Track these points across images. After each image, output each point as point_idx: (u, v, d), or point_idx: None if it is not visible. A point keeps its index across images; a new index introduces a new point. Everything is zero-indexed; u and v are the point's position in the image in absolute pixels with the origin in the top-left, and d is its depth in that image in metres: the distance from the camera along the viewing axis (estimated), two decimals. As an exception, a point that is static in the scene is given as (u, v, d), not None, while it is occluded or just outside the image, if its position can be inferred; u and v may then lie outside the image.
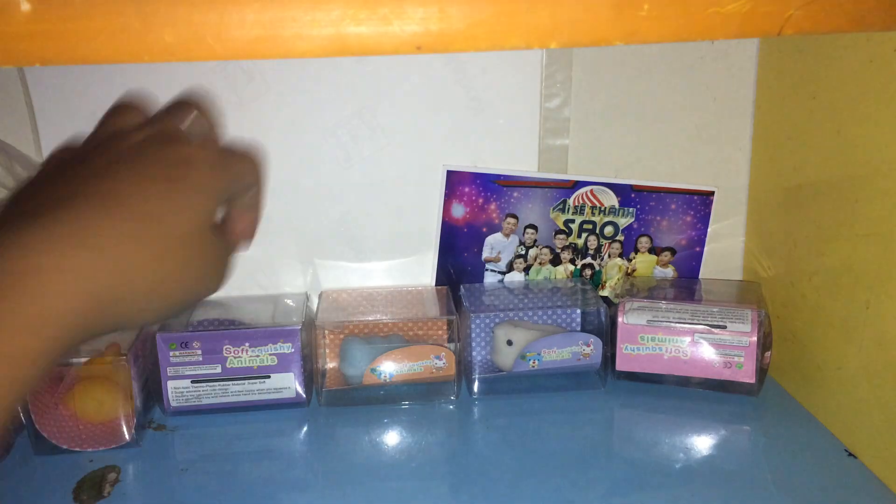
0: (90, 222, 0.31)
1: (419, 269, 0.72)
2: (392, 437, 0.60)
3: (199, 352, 0.61)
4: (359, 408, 0.64)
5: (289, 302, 0.69)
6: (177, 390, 0.61)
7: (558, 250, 0.72)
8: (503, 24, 0.37)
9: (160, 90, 0.64)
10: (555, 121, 0.69)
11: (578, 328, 0.70)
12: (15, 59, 0.35)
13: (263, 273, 0.70)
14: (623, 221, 0.72)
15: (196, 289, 0.36)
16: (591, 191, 0.70)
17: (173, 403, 0.62)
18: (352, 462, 0.58)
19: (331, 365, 0.66)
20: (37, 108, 0.63)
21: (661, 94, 0.69)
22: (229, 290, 0.69)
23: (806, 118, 0.61)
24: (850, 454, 0.57)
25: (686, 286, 0.72)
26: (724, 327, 0.63)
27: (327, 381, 0.65)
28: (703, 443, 0.59)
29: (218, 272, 0.37)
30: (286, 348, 0.63)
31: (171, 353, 0.61)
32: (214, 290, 0.37)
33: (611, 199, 0.71)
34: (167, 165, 0.34)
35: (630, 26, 0.38)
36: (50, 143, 0.64)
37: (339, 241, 0.70)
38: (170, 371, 0.61)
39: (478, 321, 0.69)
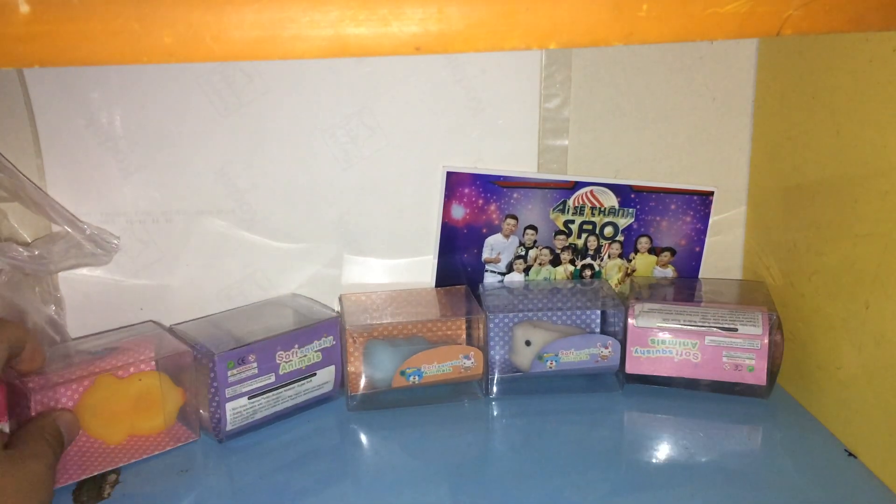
0: None
1: (419, 271, 0.72)
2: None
3: (255, 364, 0.59)
4: (388, 410, 0.64)
5: (293, 300, 0.69)
6: (235, 410, 0.59)
7: (558, 251, 0.72)
8: (502, 25, 0.37)
9: (159, 91, 0.64)
10: (554, 121, 0.69)
11: (598, 329, 0.70)
12: (14, 61, 0.35)
13: (263, 273, 0.70)
14: (623, 222, 0.72)
15: None
16: (591, 191, 0.70)
17: (230, 426, 0.59)
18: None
19: (352, 369, 0.65)
20: (36, 110, 0.63)
21: (660, 95, 0.69)
22: (227, 299, 0.70)
23: (805, 118, 0.61)
24: (850, 454, 0.57)
25: (694, 287, 0.72)
26: (735, 329, 0.62)
27: (352, 386, 0.64)
28: (704, 443, 0.59)
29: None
30: (329, 342, 0.63)
31: (230, 372, 0.58)
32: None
33: (611, 200, 0.71)
34: None
35: (629, 27, 0.38)
36: (49, 144, 0.64)
37: (338, 242, 0.70)
38: (228, 392, 0.58)
39: (496, 321, 0.69)
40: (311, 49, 0.37)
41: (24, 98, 0.62)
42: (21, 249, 0.58)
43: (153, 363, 0.59)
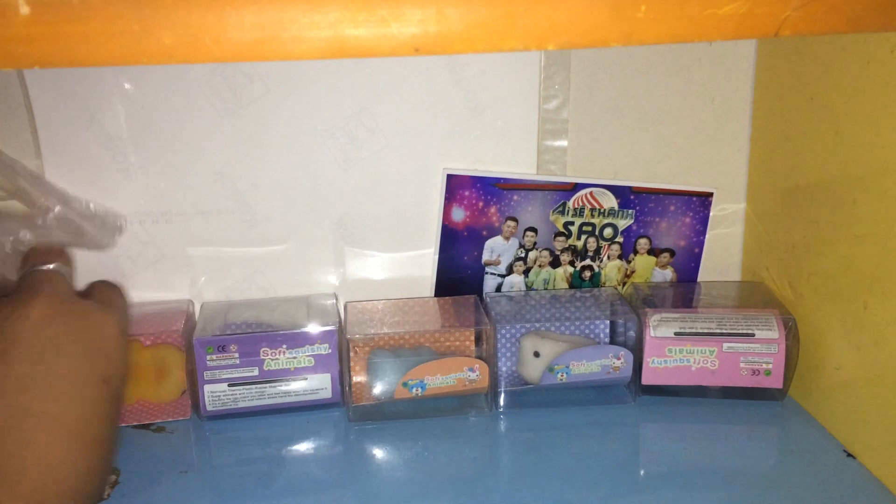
0: None
1: (419, 272, 0.72)
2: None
3: (237, 355, 0.61)
4: (391, 422, 0.63)
5: (321, 302, 0.69)
6: (213, 394, 0.61)
7: (558, 252, 0.72)
8: (501, 26, 0.37)
9: (159, 92, 0.64)
10: (553, 122, 0.69)
11: (606, 339, 0.69)
12: (14, 62, 0.35)
13: (262, 274, 0.70)
14: (622, 223, 0.72)
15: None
16: (591, 193, 0.70)
17: (209, 407, 0.62)
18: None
19: (357, 379, 0.64)
20: (36, 110, 0.63)
21: (659, 96, 0.69)
22: (227, 299, 0.70)
23: (804, 119, 0.61)
24: (850, 455, 0.57)
25: (701, 292, 0.71)
26: (752, 335, 0.62)
27: (354, 396, 0.64)
28: (705, 446, 0.59)
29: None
30: (323, 349, 0.63)
31: (209, 357, 0.61)
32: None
33: (610, 201, 0.71)
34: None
35: (628, 28, 0.38)
36: (49, 144, 0.64)
37: (338, 243, 0.70)
38: (206, 375, 0.61)
39: (503, 332, 0.67)
40: (311, 50, 0.37)
41: (24, 98, 0.62)
42: (25, 231, 0.58)
43: (172, 336, 0.63)
